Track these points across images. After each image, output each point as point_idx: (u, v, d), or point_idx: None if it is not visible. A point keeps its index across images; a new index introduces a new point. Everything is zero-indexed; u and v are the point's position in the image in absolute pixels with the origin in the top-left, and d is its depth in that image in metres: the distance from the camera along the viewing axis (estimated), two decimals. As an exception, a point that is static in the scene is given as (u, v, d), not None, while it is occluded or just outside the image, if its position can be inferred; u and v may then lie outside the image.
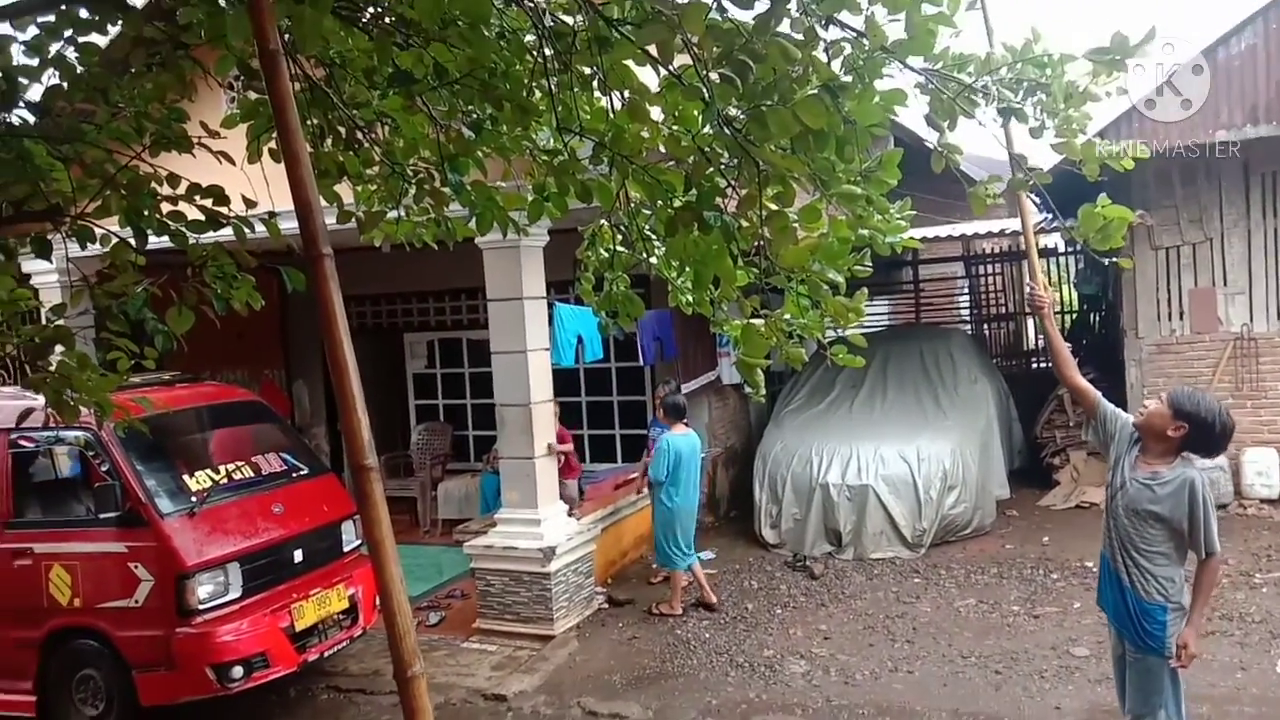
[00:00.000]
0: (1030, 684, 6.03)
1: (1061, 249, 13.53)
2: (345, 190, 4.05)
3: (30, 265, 7.27)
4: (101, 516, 6.10)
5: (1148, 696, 4.05)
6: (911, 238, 3.72)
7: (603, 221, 4.19)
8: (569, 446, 8.66)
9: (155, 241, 3.81)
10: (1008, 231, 11.87)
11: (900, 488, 8.91)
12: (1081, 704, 5.72)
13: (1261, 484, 9.29)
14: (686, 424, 8.06)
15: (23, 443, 6.39)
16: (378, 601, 7.23)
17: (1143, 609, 4.00)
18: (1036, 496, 10.23)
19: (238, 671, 5.98)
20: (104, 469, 6.12)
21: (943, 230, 11.10)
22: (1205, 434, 3.92)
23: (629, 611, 7.90)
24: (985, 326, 14.48)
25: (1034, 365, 13.71)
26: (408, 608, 2.46)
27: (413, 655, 2.44)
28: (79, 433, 6.17)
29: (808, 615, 7.59)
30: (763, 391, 3.66)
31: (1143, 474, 4.02)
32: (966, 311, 14.97)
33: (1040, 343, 15.13)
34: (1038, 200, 8.25)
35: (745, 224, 3.10)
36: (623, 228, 3.98)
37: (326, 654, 6.65)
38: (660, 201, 3.42)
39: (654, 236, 3.93)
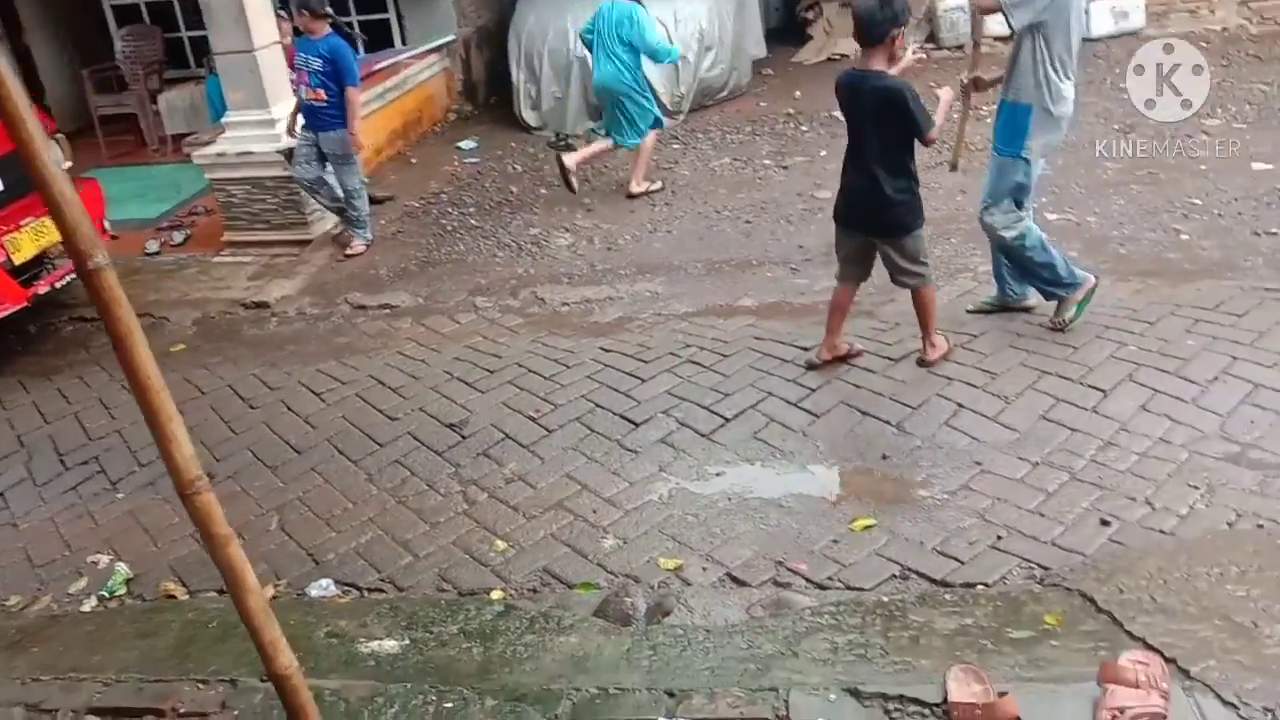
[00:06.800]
0: (777, 228, 6.40)
1: None
2: None
3: None
4: None
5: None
6: None
7: None
8: None
9: None
10: None
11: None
12: (823, 241, 6.10)
13: (995, 21, 9.63)
14: None
15: None
16: (107, 224, 6.71)
17: None
18: (791, 53, 10.28)
19: (-44, 314, 5.46)
20: None
21: None
22: None
23: (390, 208, 7.64)
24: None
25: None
26: (69, 191, 2.13)
27: (91, 245, 2.17)
28: None
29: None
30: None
31: None
32: None
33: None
34: None
35: None
36: None
37: (59, 285, 6.15)
38: None
39: None
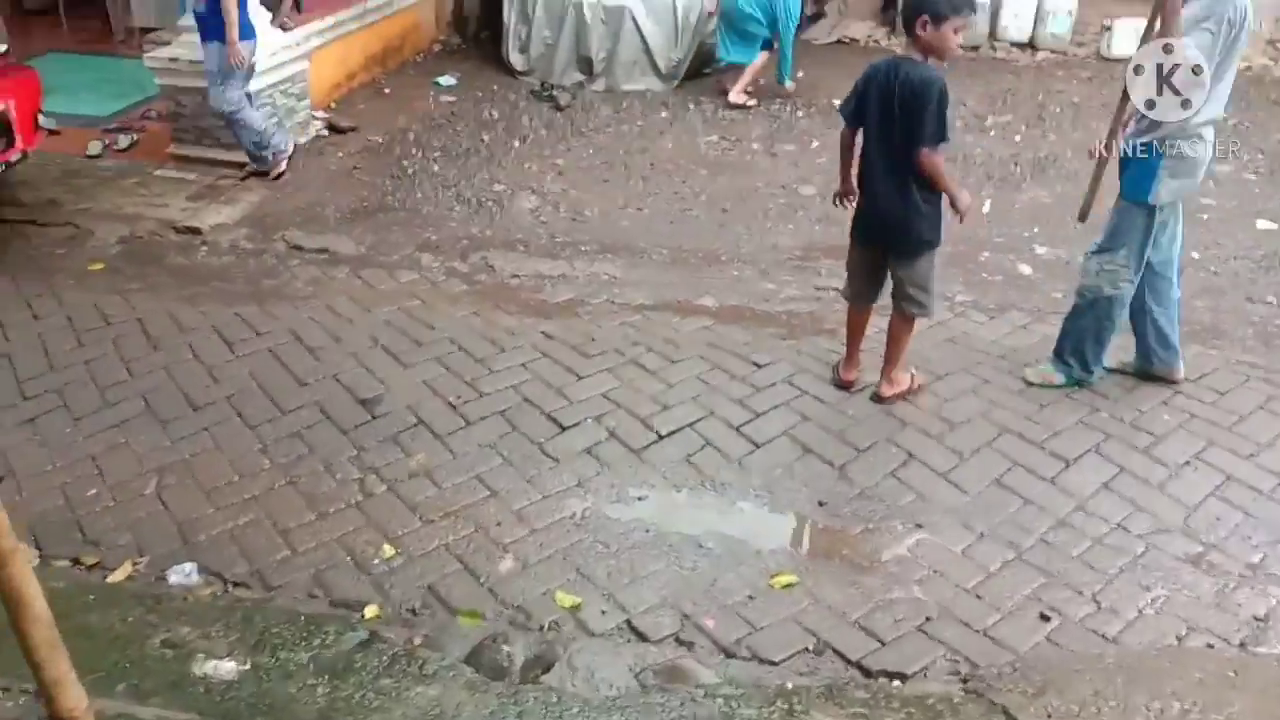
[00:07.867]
0: (754, 223, 5.99)
1: None
2: None
3: None
4: None
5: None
6: None
7: None
8: None
9: None
10: None
11: (659, 11, 8.22)
12: (799, 242, 5.76)
13: (1015, 27, 9.24)
14: None
15: None
16: (41, 119, 6.20)
17: None
18: (801, 29, 9.76)
19: None
20: None
21: None
22: None
23: (352, 140, 7.17)
24: None
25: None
26: None
27: None
28: None
29: (546, 149, 7.15)
30: None
31: None
32: None
33: None
34: None
35: None
36: None
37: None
38: None
39: None
